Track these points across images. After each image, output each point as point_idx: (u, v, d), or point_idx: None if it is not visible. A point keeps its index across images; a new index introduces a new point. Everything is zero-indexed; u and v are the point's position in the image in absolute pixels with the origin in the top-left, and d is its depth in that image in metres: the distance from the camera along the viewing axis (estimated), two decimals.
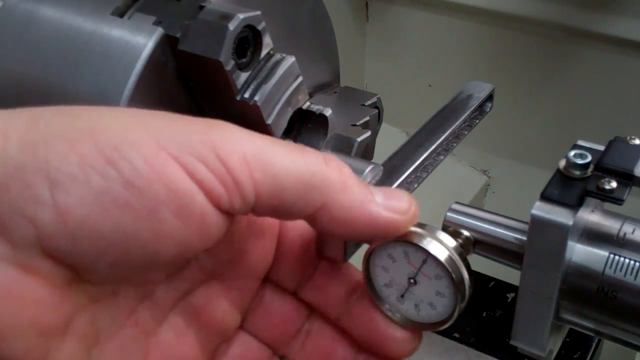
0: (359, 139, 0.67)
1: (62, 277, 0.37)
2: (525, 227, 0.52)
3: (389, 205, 0.46)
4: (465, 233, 0.55)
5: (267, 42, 0.55)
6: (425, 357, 0.86)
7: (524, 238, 0.52)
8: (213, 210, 0.38)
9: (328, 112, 0.60)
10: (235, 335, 0.49)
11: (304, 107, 0.59)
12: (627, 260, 0.49)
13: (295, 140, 0.60)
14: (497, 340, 0.88)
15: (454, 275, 0.51)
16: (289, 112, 0.58)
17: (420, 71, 1.45)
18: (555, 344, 0.56)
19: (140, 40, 0.53)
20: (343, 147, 0.66)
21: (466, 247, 0.54)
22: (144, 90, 0.53)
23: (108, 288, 0.41)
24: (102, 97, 0.53)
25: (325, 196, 0.42)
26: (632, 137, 0.54)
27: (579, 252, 0.51)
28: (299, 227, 0.50)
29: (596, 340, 0.89)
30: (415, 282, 0.53)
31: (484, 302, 0.94)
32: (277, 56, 0.56)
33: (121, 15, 0.55)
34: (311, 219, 0.43)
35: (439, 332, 0.86)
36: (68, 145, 0.36)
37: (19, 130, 0.37)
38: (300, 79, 0.58)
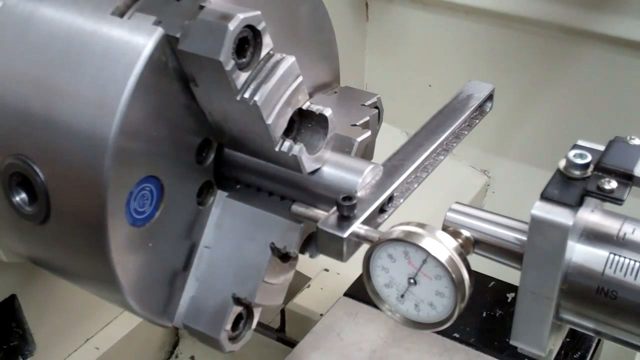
0: (359, 139, 0.67)
1: None
2: (525, 227, 0.52)
3: None
4: (465, 233, 0.55)
5: (267, 42, 0.55)
6: (425, 357, 0.86)
7: (524, 238, 0.52)
8: None
9: (328, 112, 0.60)
10: None
11: (304, 107, 0.59)
12: (627, 260, 0.49)
13: (295, 140, 0.60)
14: (497, 340, 0.88)
15: (454, 275, 0.51)
16: (289, 112, 0.58)
17: (420, 71, 1.45)
18: (555, 344, 0.56)
19: (140, 40, 0.53)
20: (343, 147, 0.66)
21: (466, 247, 0.54)
22: (144, 90, 0.53)
23: None
24: (102, 96, 0.53)
25: None
26: (632, 137, 0.54)
27: (579, 252, 0.51)
28: None
29: (596, 340, 0.89)
30: (415, 282, 0.53)
31: (484, 302, 0.94)
32: (277, 56, 0.56)
33: (121, 15, 0.55)
34: None
35: (439, 332, 0.86)
36: None
37: None
38: (300, 78, 0.58)
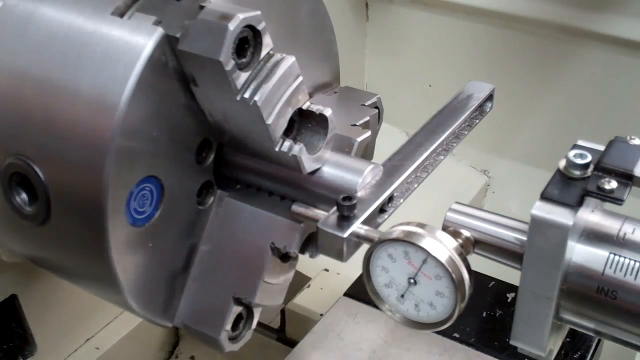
0: (359, 139, 0.67)
1: None
2: (525, 227, 0.52)
3: None
4: (465, 233, 0.55)
5: (267, 42, 0.55)
6: (425, 357, 0.86)
7: (524, 238, 0.52)
8: None
9: (328, 112, 0.60)
10: None
11: (304, 107, 0.59)
12: (627, 260, 0.49)
13: (295, 140, 0.60)
14: (497, 340, 0.88)
15: (454, 275, 0.51)
16: (289, 112, 0.58)
17: (420, 71, 1.45)
18: (555, 344, 0.56)
19: (140, 40, 0.53)
20: (343, 147, 0.66)
21: (466, 247, 0.54)
22: (144, 90, 0.53)
23: None
24: (102, 96, 0.53)
25: None
26: (632, 137, 0.54)
27: (579, 252, 0.51)
28: None
29: (596, 340, 0.89)
30: (415, 282, 0.53)
31: (484, 302, 0.94)
32: (277, 56, 0.56)
33: (121, 15, 0.55)
34: None
35: (439, 332, 0.86)
36: None
37: None
38: (300, 79, 0.58)
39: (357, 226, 0.55)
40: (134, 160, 0.55)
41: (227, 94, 0.55)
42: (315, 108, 0.60)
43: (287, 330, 1.10)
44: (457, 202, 0.57)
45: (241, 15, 0.52)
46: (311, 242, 0.65)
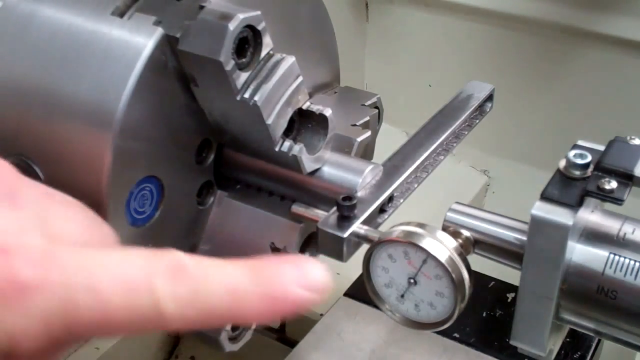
0: (359, 139, 0.67)
1: None
2: (525, 227, 0.52)
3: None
4: (465, 233, 0.55)
5: (267, 42, 0.55)
6: (425, 357, 0.86)
7: (524, 238, 0.52)
8: None
9: (328, 112, 0.60)
10: None
11: (304, 107, 0.59)
12: (627, 260, 0.49)
13: (295, 140, 0.60)
14: (497, 340, 0.88)
15: (454, 275, 0.51)
16: (289, 112, 0.58)
17: (420, 71, 1.45)
18: (555, 344, 0.56)
19: (140, 40, 0.53)
20: (343, 147, 0.66)
21: (466, 247, 0.54)
22: (144, 90, 0.53)
23: None
24: (102, 97, 0.53)
25: None
26: (632, 137, 0.54)
27: (579, 252, 0.51)
28: None
29: (596, 340, 0.89)
30: (415, 282, 0.53)
31: (484, 302, 0.94)
32: (277, 56, 0.56)
33: (121, 15, 0.55)
34: None
35: (439, 332, 0.86)
36: None
37: None
38: (300, 79, 0.58)
39: (357, 226, 0.55)
40: (134, 160, 0.55)
41: (227, 94, 0.55)
42: (315, 108, 0.60)
43: (287, 330, 1.10)
44: (457, 202, 0.57)
45: (241, 15, 0.52)
46: (311, 242, 0.65)
